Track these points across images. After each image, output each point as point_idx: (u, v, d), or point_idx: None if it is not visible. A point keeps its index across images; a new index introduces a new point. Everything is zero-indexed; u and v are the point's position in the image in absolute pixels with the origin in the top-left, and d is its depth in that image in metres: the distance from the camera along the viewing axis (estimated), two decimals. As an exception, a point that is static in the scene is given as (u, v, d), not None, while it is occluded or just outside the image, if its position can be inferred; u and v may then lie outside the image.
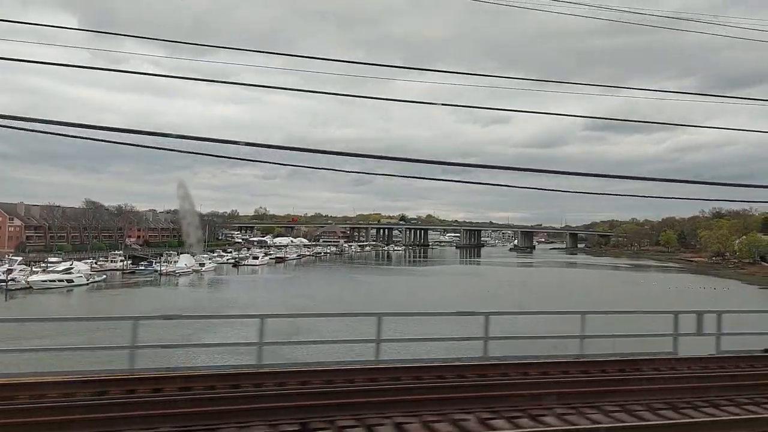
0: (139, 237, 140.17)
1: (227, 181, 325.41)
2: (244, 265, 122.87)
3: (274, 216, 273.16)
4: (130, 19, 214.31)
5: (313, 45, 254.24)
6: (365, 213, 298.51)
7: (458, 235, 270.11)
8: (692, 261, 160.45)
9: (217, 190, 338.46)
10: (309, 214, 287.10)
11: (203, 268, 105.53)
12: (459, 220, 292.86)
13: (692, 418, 9.27)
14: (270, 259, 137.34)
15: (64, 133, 7.48)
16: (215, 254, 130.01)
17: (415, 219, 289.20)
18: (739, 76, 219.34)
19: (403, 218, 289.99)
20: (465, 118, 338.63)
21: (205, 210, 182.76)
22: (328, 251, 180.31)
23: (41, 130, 7.56)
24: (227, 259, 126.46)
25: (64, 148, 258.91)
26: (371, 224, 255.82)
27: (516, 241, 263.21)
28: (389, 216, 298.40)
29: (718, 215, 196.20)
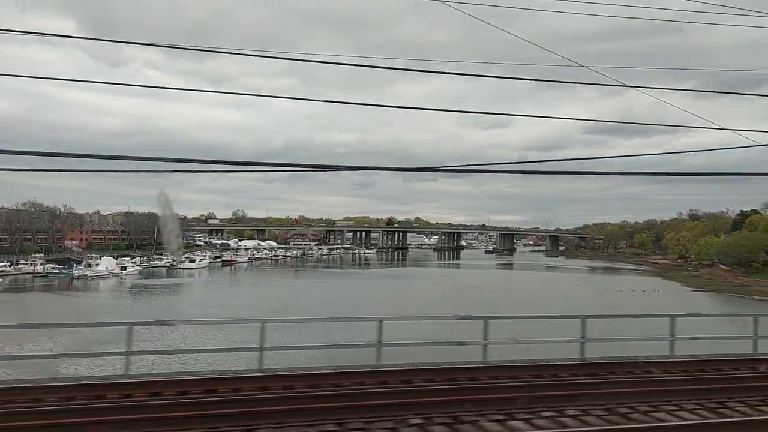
0: (81, 239, 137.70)
1: (227, 185, 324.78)
2: (179, 268, 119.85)
3: (253, 219, 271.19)
4: (130, 22, 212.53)
5: (315, 48, 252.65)
6: (352, 216, 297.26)
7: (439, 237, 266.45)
8: (657, 263, 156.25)
9: (217, 194, 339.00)
10: (291, 217, 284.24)
11: (124, 272, 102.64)
12: (453, 224, 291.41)
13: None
14: (211, 262, 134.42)
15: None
16: (159, 256, 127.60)
17: (416, 223, 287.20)
18: (738, 79, 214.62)
19: (389, 221, 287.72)
20: (466, 122, 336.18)
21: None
22: (289, 254, 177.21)
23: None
24: (166, 262, 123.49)
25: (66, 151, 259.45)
26: (346, 227, 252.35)
27: (495, 243, 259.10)
28: (377, 219, 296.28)
29: (694, 217, 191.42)
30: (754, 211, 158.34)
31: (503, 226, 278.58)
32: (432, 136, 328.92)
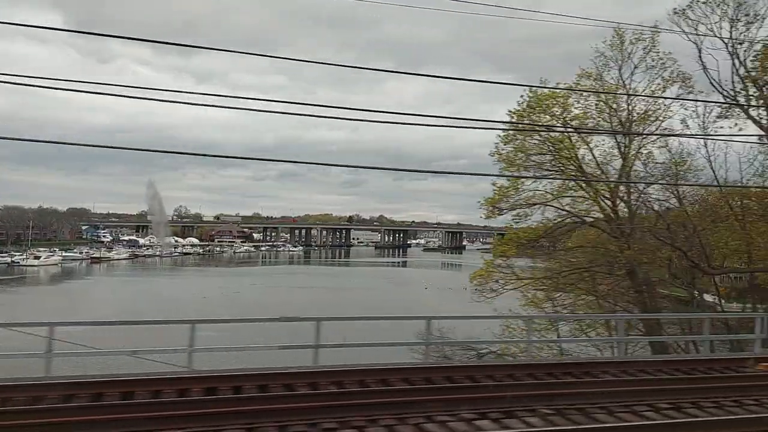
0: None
1: (217, 182, 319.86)
2: (21, 265, 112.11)
3: (199, 216, 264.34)
4: (118, 19, 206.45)
5: (304, 47, 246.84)
6: (312, 213, 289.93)
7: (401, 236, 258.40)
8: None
9: (207, 192, 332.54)
10: (243, 215, 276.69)
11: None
12: (420, 221, 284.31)
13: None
14: (63, 259, 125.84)
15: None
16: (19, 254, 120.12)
17: (377, 222, 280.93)
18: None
19: (350, 219, 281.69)
20: (459, 120, 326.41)
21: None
22: (191, 252, 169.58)
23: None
24: (12, 260, 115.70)
25: (56, 150, 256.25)
26: (281, 225, 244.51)
27: (438, 241, 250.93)
28: (339, 217, 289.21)
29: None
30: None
31: (484, 225, 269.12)
32: (423, 134, 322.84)
